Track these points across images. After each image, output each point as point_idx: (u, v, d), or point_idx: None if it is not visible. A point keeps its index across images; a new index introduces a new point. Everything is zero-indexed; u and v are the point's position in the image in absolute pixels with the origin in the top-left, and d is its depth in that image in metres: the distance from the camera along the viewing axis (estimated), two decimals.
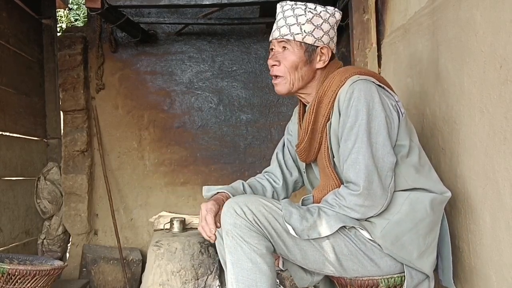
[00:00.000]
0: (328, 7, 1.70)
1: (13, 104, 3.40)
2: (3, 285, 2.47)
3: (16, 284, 2.49)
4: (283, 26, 1.69)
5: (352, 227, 1.56)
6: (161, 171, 3.80)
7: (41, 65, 3.91)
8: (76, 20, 7.46)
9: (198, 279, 3.00)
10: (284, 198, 1.90)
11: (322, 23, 1.67)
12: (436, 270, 1.69)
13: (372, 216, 1.56)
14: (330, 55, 1.70)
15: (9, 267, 2.46)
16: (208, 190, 1.77)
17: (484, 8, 1.53)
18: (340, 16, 1.73)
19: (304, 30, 1.66)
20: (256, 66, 3.84)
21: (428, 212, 1.57)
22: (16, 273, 2.46)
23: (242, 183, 1.87)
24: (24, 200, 3.54)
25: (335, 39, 1.73)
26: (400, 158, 1.59)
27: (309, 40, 1.67)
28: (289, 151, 1.93)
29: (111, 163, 3.78)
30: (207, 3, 3.01)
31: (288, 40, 1.68)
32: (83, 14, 7.25)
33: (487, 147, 1.56)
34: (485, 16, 1.53)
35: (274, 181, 1.91)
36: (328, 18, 1.68)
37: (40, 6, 3.93)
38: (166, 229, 3.45)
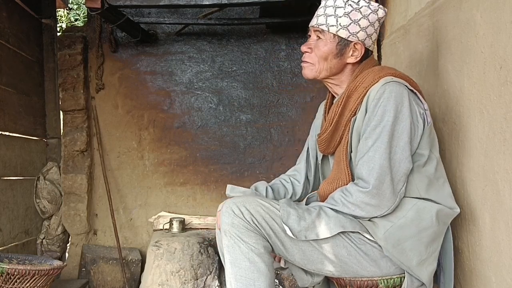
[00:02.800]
0: (372, 3, 1.68)
1: (13, 104, 3.40)
2: (2, 285, 2.47)
3: (15, 283, 2.48)
4: (321, 15, 1.69)
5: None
6: (160, 171, 3.80)
7: (41, 65, 3.90)
8: (76, 20, 7.46)
9: (197, 279, 3.00)
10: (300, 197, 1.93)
11: (360, 19, 1.65)
12: (436, 282, 1.68)
13: (375, 217, 1.56)
14: (363, 51, 1.69)
15: (8, 267, 2.46)
16: (232, 190, 1.78)
17: (484, 9, 1.53)
18: (384, 14, 1.70)
19: (340, 23, 1.65)
20: (256, 67, 3.84)
21: (434, 222, 1.56)
22: (15, 273, 2.46)
23: (266, 187, 1.87)
24: (23, 200, 3.54)
25: (374, 37, 1.71)
26: (416, 166, 1.58)
27: (343, 34, 1.66)
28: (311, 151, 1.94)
29: (110, 163, 3.78)
30: (207, 3, 3.01)
31: (323, 30, 1.68)
32: (83, 14, 7.25)
33: (487, 148, 1.56)
34: (485, 17, 1.53)
35: (298, 181, 1.94)
36: (369, 14, 1.66)
37: (40, 6, 3.92)
38: (166, 229, 3.45)
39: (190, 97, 3.82)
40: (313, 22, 1.72)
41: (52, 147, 3.93)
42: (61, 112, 3.85)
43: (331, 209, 1.59)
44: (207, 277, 3.03)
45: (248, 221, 1.52)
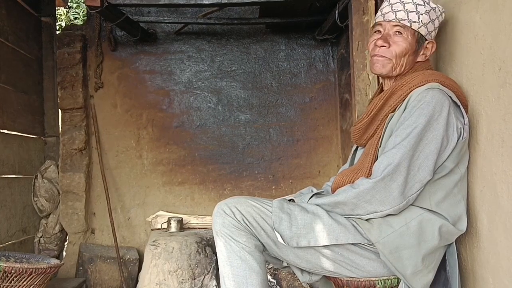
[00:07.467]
0: (439, 6, 1.71)
1: (11, 102, 3.40)
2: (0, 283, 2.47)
3: (12, 282, 2.48)
4: (400, 10, 1.67)
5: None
6: (159, 171, 3.80)
7: (40, 63, 3.90)
8: (75, 18, 7.46)
9: (195, 279, 3.00)
10: None
11: (435, 19, 1.69)
12: None
13: (377, 213, 1.53)
14: (433, 51, 1.70)
15: (5, 265, 2.45)
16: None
17: (484, 10, 1.53)
18: (442, 19, 1.75)
19: (421, 20, 1.66)
20: (255, 67, 3.84)
21: (435, 236, 1.54)
22: (13, 271, 2.46)
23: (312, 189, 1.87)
24: (21, 198, 3.53)
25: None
26: (437, 178, 1.56)
27: (423, 31, 1.67)
28: None
29: (109, 162, 3.77)
30: (207, 2, 3.00)
31: (405, 26, 1.67)
32: (82, 12, 7.26)
33: (485, 149, 1.56)
34: (485, 18, 1.53)
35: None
36: (438, 16, 1.70)
37: (40, 4, 3.92)
38: (164, 228, 3.44)
39: (189, 96, 3.82)
40: (390, 16, 1.69)
41: (50, 146, 3.92)
42: (59, 111, 3.85)
43: (330, 205, 1.57)
44: (204, 277, 3.03)
45: (239, 220, 1.55)
